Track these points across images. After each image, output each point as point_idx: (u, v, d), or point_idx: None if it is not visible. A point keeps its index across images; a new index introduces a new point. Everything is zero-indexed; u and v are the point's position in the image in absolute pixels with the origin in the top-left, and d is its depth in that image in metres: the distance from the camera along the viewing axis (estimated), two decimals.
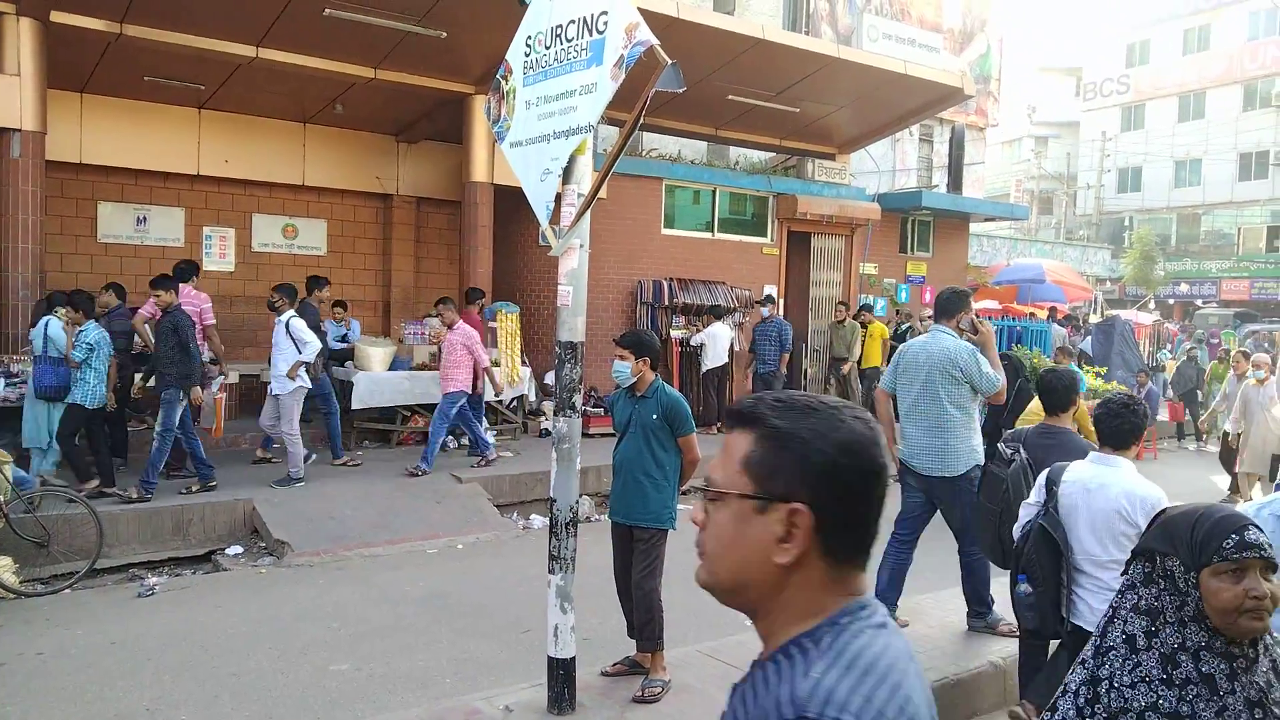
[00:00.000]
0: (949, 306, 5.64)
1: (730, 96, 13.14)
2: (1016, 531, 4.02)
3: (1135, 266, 36.81)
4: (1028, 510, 4.01)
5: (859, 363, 14.03)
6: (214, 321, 9.98)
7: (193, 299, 9.48)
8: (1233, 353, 12.94)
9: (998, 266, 26.09)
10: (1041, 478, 3.98)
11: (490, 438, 10.57)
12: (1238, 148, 40.28)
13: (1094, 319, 20.03)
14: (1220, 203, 41.19)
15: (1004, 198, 38.61)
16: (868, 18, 21.90)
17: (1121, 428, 3.80)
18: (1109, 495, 3.67)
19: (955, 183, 19.11)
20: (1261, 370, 9.90)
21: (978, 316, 5.45)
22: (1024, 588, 3.90)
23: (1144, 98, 44.18)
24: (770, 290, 15.10)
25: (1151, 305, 32.91)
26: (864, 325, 14.19)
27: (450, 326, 9.90)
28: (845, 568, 1.23)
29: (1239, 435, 10.18)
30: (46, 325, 8.09)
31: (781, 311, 14.57)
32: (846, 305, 14.50)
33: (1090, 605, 3.72)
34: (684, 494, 5.19)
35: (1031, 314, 19.61)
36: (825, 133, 15.52)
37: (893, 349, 15.10)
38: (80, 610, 6.33)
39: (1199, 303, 39.06)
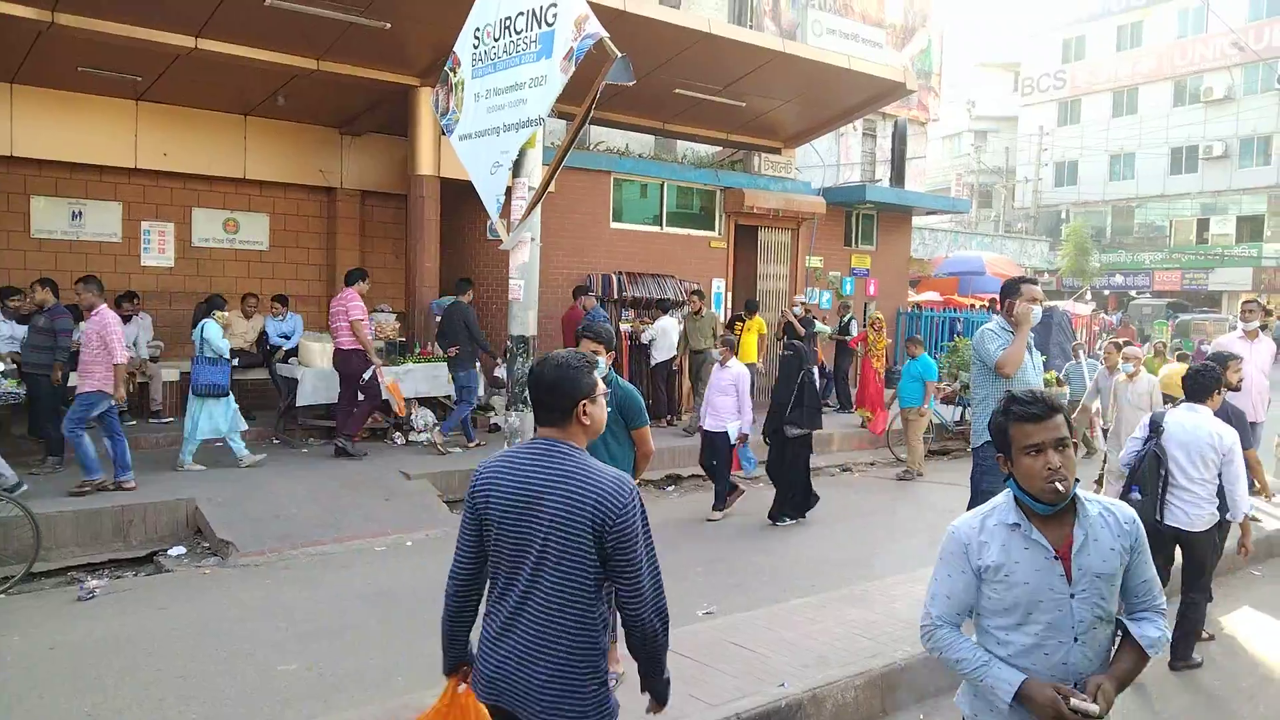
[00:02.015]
0: (1002, 295, 5.82)
1: (677, 90, 13.17)
2: (1128, 457, 5.67)
3: (1071, 258, 37.69)
4: (1134, 443, 5.67)
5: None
6: (362, 318, 10.06)
7: (345, 299, 9.97)
8: (1153, 343, 12.68)
9: (939, 259, 26.56)
10: (1146, 419, 5.70)
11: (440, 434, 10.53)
12: (1169, 142, 41.43)
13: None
14: (1153, 196, 42.34)
15: (945, 191, 39.32)
16: (811, 13, 22.09)
17: (1202, 386, 5.48)
18: (1199, 433, 5.35)
19: (898, 177, 19.37)
20: (1130, 364, 8.80)
21: (1026, 303, 5.53)
22: (1135, 495, 5.50)
23: (1080, 93, 45.21)
24: (719, 283, 15.20)
25: (1088, 296, 33.71)
26: (741, 320, 13.09)
27: (90, 312, 8.23)
28: None
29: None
30: (203, 328, 9.19)
31: (729, 304, 14.65)
32: (701, 294, 13.08)
33: (1183, 510, 5.36)
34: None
35: (973, 305, 20.04)
36: (771, 127, 15.63)
37: (840, 343, 15.32)
38: (16, 615, 6.16)
39: (1133, 293, 40.14)
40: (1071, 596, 2.54)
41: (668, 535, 8.49)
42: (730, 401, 9.10)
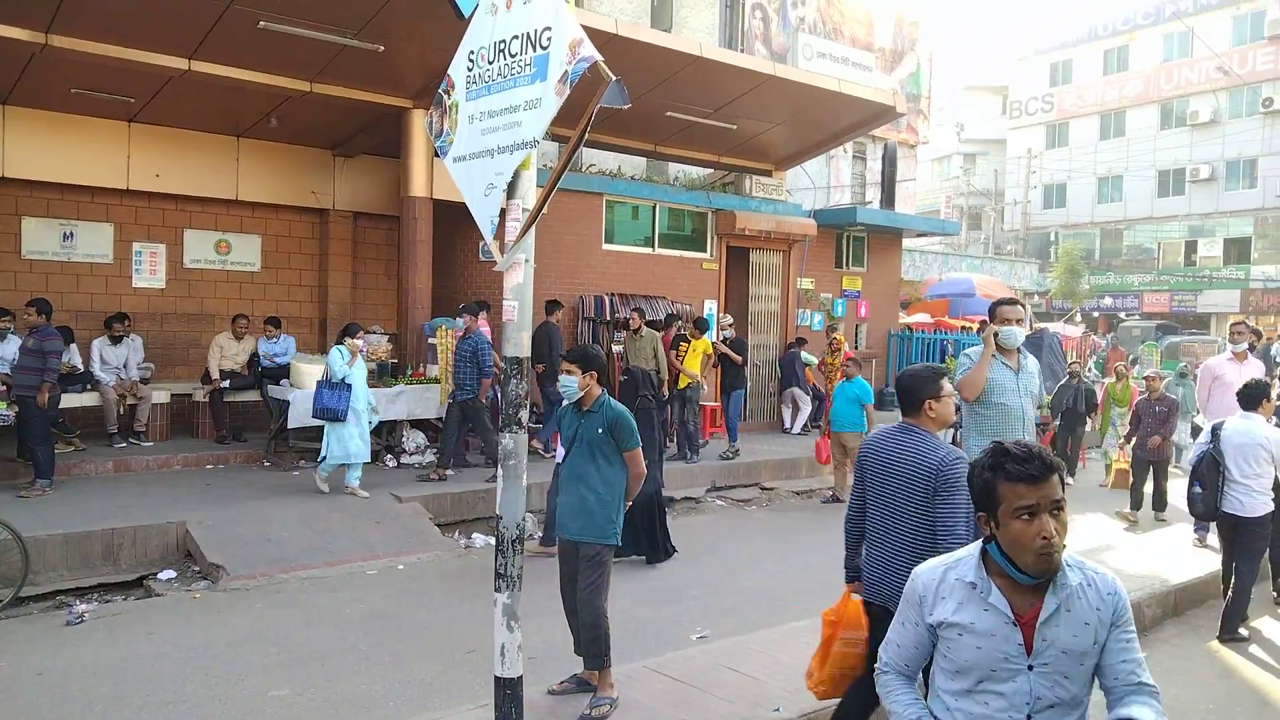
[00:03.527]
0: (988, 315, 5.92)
1: (669, 113, 13.24)
2: (1192, 458, 7.01)
3: (1061, 280, 37.88)
4: (1198, 447, 6.90)
5: (675, 380, 12.15)
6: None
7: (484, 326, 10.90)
8: (1115, 366, 12.96)
9: (930, 281, 26.68)
10: (1209, 425, 6.99)
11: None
12: (1156, 165, 41.75)
13: (1024, 332, 20.48)
14: (1141, 218, 42.62)
15: (934, 213, 39.51)
16: (802, 36, 22.26)
17: (1253, 398, 6.70)
18: (1252, 437, 6.56)
19: (888, 199, 19.49)
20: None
21: (995, 324, 5.68)
22: (1197, 490, 6.75)
23: (1067, 116, 45.57)
24: (711, 304, 15.20)
25: (1078, 318, 33.87)
26: (689, 339, 12.38)
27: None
28: None
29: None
30: (329, 353, 9.45)
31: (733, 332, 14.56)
32: (641, 311, 12.50)
33: (1239, 499, 6.54)
34: (630, 509, 5.20)
35: (964, 327, 20.10)
36: (762, 150, 15.71)
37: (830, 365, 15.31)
38: (4, 640, 6.09)
39: (1123, 315, 40.34)
40: (1029, 669, 2.30)
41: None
42: None
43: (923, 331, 19.01)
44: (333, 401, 9.18)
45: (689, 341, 12.37)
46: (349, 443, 9.24)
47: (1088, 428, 13.84)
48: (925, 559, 2.98)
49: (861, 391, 11.11)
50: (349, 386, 9.25)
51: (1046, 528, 2.23)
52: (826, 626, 4.22)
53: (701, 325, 12.66)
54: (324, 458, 9.30)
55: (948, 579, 2.42)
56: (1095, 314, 41.01)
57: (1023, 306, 5.87)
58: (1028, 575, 2.28)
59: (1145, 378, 11.79)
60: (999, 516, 2.30)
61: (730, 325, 14.13)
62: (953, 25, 70.60)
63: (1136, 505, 10.82)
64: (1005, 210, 47.22)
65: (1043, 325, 22.70)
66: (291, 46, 9.78)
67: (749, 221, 15.26)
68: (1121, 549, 8.77)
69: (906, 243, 22.11)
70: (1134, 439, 10.90)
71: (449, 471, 10.21)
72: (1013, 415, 5.60)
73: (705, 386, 13.03)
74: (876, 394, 17.83)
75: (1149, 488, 10.84)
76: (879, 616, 3.93)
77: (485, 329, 10.92)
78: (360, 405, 9.36)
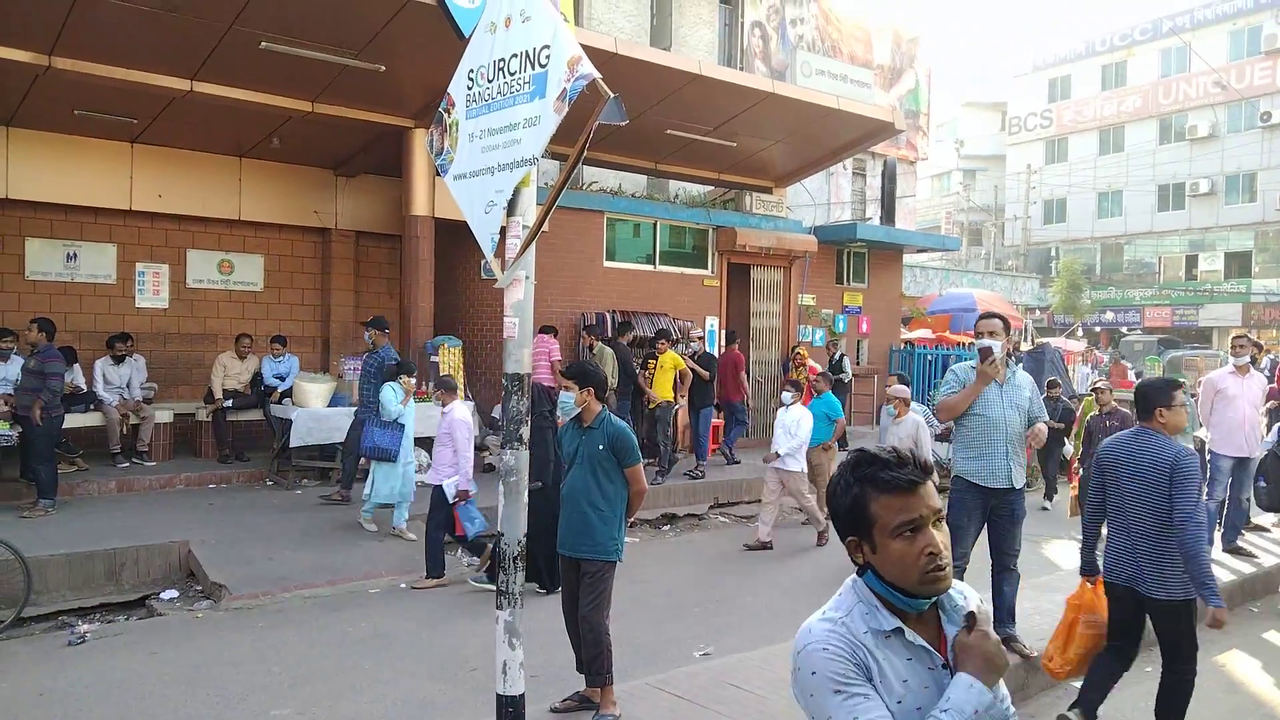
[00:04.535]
0: None
1: (669, 131, 13.30)
2: (1260, 453, 8.41)
3: (1063, 295, 37.91)
4: (1266, 444, 8.35)
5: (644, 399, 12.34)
6: (560, 358, 11.65)
7: (546, 343, 11.60)
8: (1092, 382, 11.88)
9: (931, 297, 26.68)
10: (1278, 427, 8.55)
11: None
12: (1155, 179, 41.86)
13: (1025, 347, 20.47)
14: (1141, 233, 42.70)
15: (935, 229, 39.59)
16: (800, 54, 22.35)
17: None
18: None
19: (888, 215, 19.55)
20: (893, 406, 8.72)
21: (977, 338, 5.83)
22: (1262, 484, 8.09)
23: (1066, 131, 45.74)
24: (713, 321, 15.21)
25: (1079, 333, 33.87)
26: (654, 357, 12.38)
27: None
28: None
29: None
30: (380, 391, 9.04)
31: (723, 342, 14.56)
32: (592, 328, 12.62)
33: None
34: (631, 526, 5.19)
35: (965, 343, 20.08)
36: (762, 167, 15.77)
37: (837, 381, 15.28)
38: (5, 660, 6.08)
39: (1125, 330, 40.33)
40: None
41: (661, 575, 8.44)
42: (447, 453, 7.90)
43: (924, 347, 19.01)
44: (385, 440, 8.85)
45: (655, 359, 12.24)
46: (395, 481, 8.94)
47: (1067, 447, 12.43)
48: (1162, 544, 4.54)
49: (830, 408, 10.59)
50: (401, 426, 8.98)
51: (934, 542, 1.86)
52: (1070, 610, 5.06)
53: (665, 335, 12.55)
54: (369, 496, 8.99)
55: (855, 635, 1.89)
56: (1097, 329, 41.02)
57: (1002, 320, 5.84)
58: (916, 600, 1.91)
59: (1094, 388, 10.71)
60: (875, 539, 1.91)
61: (699, 339, 14.01)
62: (951, 42, 71.00)
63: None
64: (1005, 226, 47.32)
65: (1044, 340, 22.70)
66: (293, 67, 9.85)
67: (750, 238, 15.30)
68: None
69: (907, 258, 22.16)
70: (1088, 460, 9.29)
71: (348, 492, 9.83)
72: (992, 427, 5.63)
73: (679, 404, 12.72)
74: (879, 409, 17.87)
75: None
76: (1120, 596, 4.75)
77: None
78: (409, 444, 9.11)
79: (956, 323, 22.65)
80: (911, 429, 8.49)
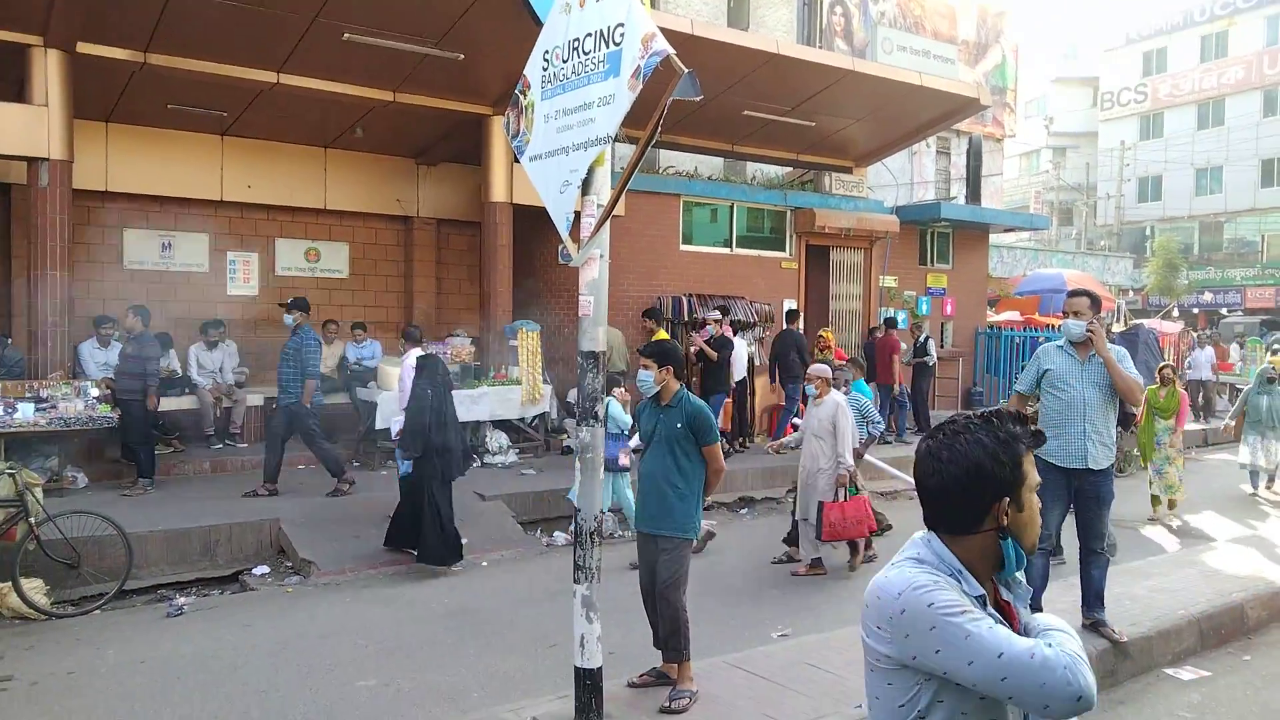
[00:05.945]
0: None
1: (746, 112, 13.18)
2: None
3: (1158, 275, 36.57)
4: None
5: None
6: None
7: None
8: (1158, 370, 11.13)
9: (1019, 277, 25.99)
10: None
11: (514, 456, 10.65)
12: (1259, 154, 40.00)
13: (1117, 328, 19.80)
14: (1243, 210, 40.85)
15: (1023, 209, 38.54)
16: (882, 30, 21.95)
17: None
18: None
19: (974, 194, 19.07)
20: (813, 386, 7.78)
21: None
22: None
23: (1162, 106, 43.99)
24: (790, 303, 15.06)
25: (1175, 314, 32.64)
26: (651, 334, 11.90)
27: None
28: None
29: None
30: (609, 405, 8.28)
31: (802, 325, 14.22)
32: (652, 312, 12.61)
33: None
34: (707, 509, 5.18)
35: (1054, 325, 19.52)
36: (842, 146, 15.53)
37: (920, 364, 14.98)
38: (110, 630, 6.38)
39: (1224, 311, 38.71)
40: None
41: (738, 558, 8.42)
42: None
43: (1012, 329, 18.53)
44: (611, 450, 8.32)
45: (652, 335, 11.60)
46: (606, 489, 8.32)
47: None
48: None
49: (859, 404, 9.27)
50: (624, 434, 8.61)
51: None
52: None
53: (652, 314, 12.35)
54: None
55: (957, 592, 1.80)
56: (1195, 310, 39.45)
57: (1090, 298, 5.68)
58: (1022, 562, 1.89)
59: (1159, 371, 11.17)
60: (1022, 496, 1.85)
61: (716, 320, 12.48)
62: (1040, 16, 68.85)
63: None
64: (1097, 204, 45.74)
65: (1138, 321, 21.94)
66: (375, 57, 10.04)
67: (829, 219, 15.10)
68: (1220, 548, 8.40)
69: (994, 239, 21.58)
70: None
71: (274, 485, 9.27)
72: (1070, 405, 5.54)
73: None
74: (964, 393, 17.49)
75: None
76: None
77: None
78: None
79: (1045, 304, 22.02)
80: (831, 410, 7.62)
